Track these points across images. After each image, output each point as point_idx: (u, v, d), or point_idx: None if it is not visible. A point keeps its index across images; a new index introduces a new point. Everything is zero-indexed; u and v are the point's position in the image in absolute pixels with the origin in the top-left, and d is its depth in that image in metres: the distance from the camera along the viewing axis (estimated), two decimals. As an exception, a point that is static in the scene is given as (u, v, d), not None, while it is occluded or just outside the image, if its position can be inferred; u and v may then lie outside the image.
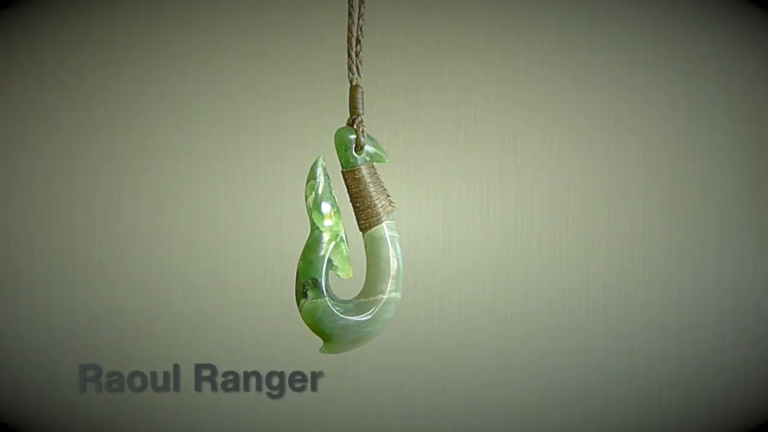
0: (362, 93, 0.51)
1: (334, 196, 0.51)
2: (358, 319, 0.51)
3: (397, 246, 0.53)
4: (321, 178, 0.51)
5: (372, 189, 0.52)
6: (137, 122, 0.87)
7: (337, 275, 0.51)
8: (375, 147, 0.52)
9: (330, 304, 0.50)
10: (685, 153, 0.88)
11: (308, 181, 0.51)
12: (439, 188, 0.87)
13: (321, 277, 0.50)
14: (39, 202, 0.87)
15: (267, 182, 0.87)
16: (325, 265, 0.51)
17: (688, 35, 0.87)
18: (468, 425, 0.88)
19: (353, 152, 0.51)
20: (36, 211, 0.87)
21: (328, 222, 0.51)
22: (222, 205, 0.87)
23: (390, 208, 0.53)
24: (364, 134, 0.51)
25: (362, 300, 0.52)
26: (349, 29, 0.51)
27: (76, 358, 0.87)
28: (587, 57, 0.87)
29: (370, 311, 0.51)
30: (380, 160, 0.53)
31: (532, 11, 0.87)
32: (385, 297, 0.52)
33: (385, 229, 0.52)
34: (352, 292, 0.54)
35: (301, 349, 0.87)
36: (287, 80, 0.87)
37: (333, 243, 0.51)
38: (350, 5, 0.50)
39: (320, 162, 0.51)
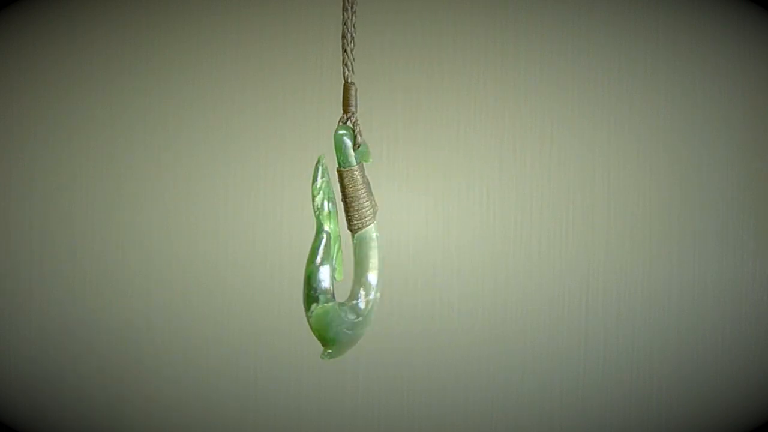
0: (356, 90, 0.51)
1: (333, 196, 0.51)
2: (356, 320, 0.50)
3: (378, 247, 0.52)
4: (326, 176, 0.50)
5: (365, 190, 0.51)
6: (137, 123, 0.87)
7: (333, 277, 0.50)
8: (364, 147, 0.52)
9: (338, 308, 0.49)
10: (685, 153, 0.88)
11: (314, 180, 0.50)
12: (438, 188, 0.87)
13: (330, 281, 0.49)
14: (39, 202, 0.87)
15: (267, 182, 0.87)
16: (333, 268, 0.49)
17: (688, 35, 0.87)
18: (468, 425, 0.88)
19: (351, 151, 0.51)
20: (37, 210, 0.87)
21: (332, 223, 0.50)
22: (222, 205, 0.87)
23: (376, 208, 0.52)
24: (361, 132, 0.51)
25: (354, 302, 0.51)
26: (345, 25, 0.51)
27: (75, 358, 0.87)
28: (587, 57, 0.87)
29: (363, 312, 0.51)
30: (366, 159, 0.52)
31: (532, 11, 0.87)
32: (376, 297, 0.51)
33: (375, 229, 0.51)
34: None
35: (302, 348, 0.87)
36: (287, 80, 0.87)
37: (337, 245, 0.50)
38: (344, 2, 0.50)
39: (322, 161, 0.50)
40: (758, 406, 0.87)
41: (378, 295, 0.52)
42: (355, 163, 0.51)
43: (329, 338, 0.50)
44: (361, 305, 0.51)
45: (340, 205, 0.51)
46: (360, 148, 0.51)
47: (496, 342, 0.87)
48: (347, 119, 0.50)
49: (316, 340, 0.50)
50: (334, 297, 0.49)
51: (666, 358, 0.87)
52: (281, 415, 0.87)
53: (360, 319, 0.51)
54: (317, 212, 0.49)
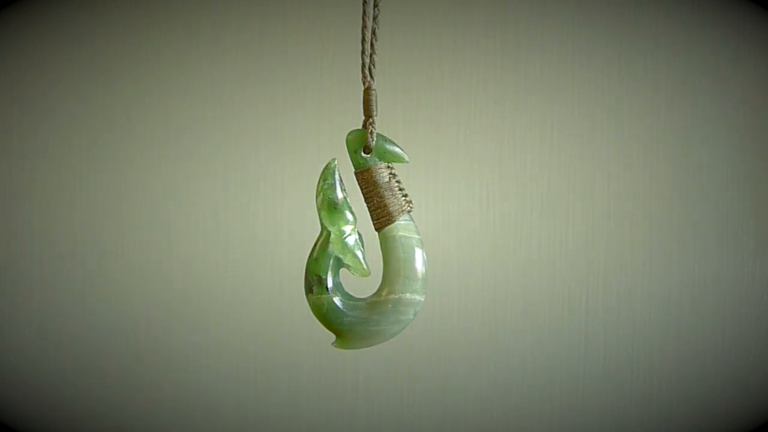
0: (376, 95, 0.52)
1: (346, 197, 0.52)
2: (366, 317, 0.52)
3: (417, 247, 0.52)
4: (330, 180, 0.52)
5: (384, 189, 0.53)
6: (138, 123, 0.87)
7: (353, 274, 0.52)
8: (392, 147, 0.53)
9: (334, 301, 0.51)
10: (685, 153, 0.88)
11: (319, 181, 0.52)
12: (438, 189, 0.87)
13: (326, 275, 0.51)
14: (39, 202, 0.87)
15: (267, 182, 0.87)
16: (331, 263, 0.52)
17: (688, 35, 0.87)
18: (468, 425, 0.88)
19: (362, 154, 0.52)
20: (36, 210, 0.87)
21: (337, 221, 0.52)
22: (222, 205, 0.87)
23: (407, 207, 0.53)
24: (374, 136, 0.52)
25: (374, 299, 0.52)
26: (363, 33, 0.51)
27: (75, 358, 0.87)
28: (587, 57, 0.87)
29: (380, 310, 0.52)
30: (399, 160, 0.54)
31: (532, 11, 0.87)
32: (397, 297, 0.52)
33: (399, 229, 0.52)
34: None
35: (302, 348, 0.87)
36: (288, 81, 0.87)
37: (341, 242, 0.52)
38: (364, 9, 0.51)
39: (333, 164, 0.52)
40: (758, 406, 0.87)
41: (407, 296, 0.52)
42: (368, 165, 0.53)
43: (334, 329, 0.52)
44: (380, 302, 0.52)
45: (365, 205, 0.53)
46: (380, 150, 0.53)
47: (495, 341, 0.87)
48: (367, 123, 0.52)
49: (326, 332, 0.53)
50: (329, 291, 0.51)
51: (666, 358, 0.87)
52: (281, 415, 0.87)
53: (375, 316, 0.52)
54: (318, 211, 0.52)
